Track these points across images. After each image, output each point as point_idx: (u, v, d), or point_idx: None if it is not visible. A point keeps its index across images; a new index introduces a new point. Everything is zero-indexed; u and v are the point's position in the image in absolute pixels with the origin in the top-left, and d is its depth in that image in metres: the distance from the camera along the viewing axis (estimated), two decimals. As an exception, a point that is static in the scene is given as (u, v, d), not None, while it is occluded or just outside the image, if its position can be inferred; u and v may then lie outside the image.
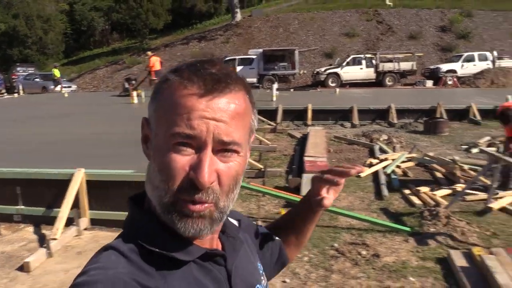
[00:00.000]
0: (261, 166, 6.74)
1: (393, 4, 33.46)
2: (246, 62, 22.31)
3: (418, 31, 30.07)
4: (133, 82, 17.35)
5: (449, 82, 21.76)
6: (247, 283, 0.75)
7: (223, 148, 0.63)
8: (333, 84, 22.08)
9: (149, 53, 16.56)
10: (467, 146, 8.10)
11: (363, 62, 22.72)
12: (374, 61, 22.77)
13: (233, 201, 0.68)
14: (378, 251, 4.13)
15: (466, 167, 6.50)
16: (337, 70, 22.60)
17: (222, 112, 0.63)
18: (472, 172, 6.27)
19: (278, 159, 7.82)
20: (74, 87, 26.42)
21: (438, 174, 6.45)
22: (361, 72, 22.68)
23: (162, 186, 0.63)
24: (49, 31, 40.13)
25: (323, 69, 22.99)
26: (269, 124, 10.75)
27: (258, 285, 0.79)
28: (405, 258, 4.01)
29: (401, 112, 11.45)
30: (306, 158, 6.75)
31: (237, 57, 22.95)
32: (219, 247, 0.75)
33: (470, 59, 23.68)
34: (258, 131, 9.49)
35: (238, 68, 20.13)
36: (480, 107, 11.48)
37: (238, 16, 32.20)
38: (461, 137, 9.43)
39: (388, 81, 22.81)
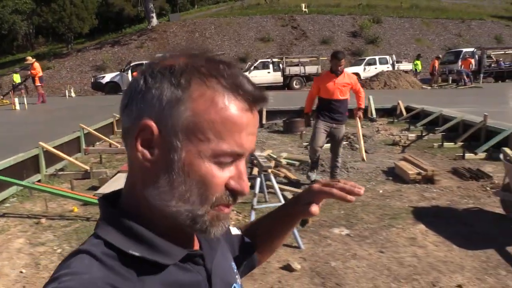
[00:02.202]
0: (87, 168, 6.77)
1: (308, 11, 34.75)
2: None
3: (330, 36, 31.47)
4: None
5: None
6: (225, 282, 0.74)
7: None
8: (242, 88, 22.53)
9: (30, 58, 15.76)
10: (307, 144, 8.58)
11: (271, 66, 23.38)
12: (281, 65, 23.50)
13: None
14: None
15: (284, 162, 6.92)
16: (245, 74, 23.04)
17: (255, 127, 0.62)
18: (283, 169, 6.67)
19: (122, 160, 7.88)
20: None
21: (255, 171, 6.81)
22: (269, 76, 23.30)
23: (199, 200, 0.60)
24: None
25: (231, 73, 23.35)
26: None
27: (234, 284, 0.77)
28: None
29: (273, 113, 11.90)
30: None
31: (144, 62, 22.76)
32: (197, 246, 0.72)
33: (371, 63, 25.12)
34: (116, 134, 9.51)
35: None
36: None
37: (154, 21, 32.01)
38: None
39: (295, 84, 23.61)
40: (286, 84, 23.45)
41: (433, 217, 4.76)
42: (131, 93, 0.61)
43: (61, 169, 7.21)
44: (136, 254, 0.60)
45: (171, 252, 0.63)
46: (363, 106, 5.79)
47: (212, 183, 0.59)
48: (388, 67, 24.30)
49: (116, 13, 55.07)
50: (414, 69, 24.01)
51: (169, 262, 0.62)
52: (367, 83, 21.47)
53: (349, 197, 0.82)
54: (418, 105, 11.67)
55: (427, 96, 17.01)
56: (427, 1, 44.62)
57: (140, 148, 0.60)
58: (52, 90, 25.04)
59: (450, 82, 23.21)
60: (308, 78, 23.93)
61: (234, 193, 0.60)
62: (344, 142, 8.60)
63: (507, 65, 25.81)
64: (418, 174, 5.92)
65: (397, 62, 25.56)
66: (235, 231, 0.95)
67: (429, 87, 21.34)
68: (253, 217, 4.11)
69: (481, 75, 23.89)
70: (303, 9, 34.95)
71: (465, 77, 21.62)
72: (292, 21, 32.92)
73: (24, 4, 50.68)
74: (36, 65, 15.04)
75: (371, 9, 37.34)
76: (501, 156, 4.66)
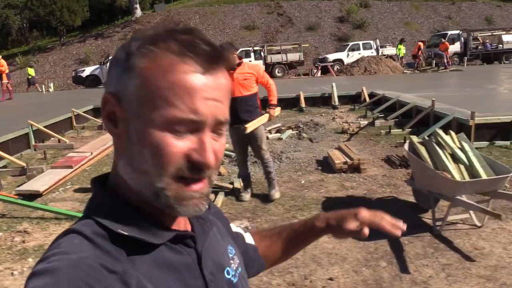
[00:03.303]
0: (24, 164, 6.78)
1: (295, -3, 34.38)
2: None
3: (317, 22, 31.15)
4: None
5: (335, 70, 22.66)
6: (217, 264, 0.72)
7: (216, 127, 0.61)
8: (223, 77, 22.45)
9: (-4, 55, 15.67)
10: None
11: (252, 54, 23.21)
12: (262, 54, 23.33)
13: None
14: (35, 238, 4.33)
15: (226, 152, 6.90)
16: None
17: (219, 91, 0.59)
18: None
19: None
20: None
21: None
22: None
23: (155, 171, 0.58)
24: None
25: (212, 63, 23.24)
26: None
27: (228, 267, 0.75)
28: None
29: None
30: (70, 154, 6.87)
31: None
32: (188, 228, 0.72)
33: (355, 48, 24.85)
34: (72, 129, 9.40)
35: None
36: (308, 95, 12.19)
37: (138, 12, 31.80)
38: (274, 124, 9.92)
39: (277, 72, 23.46)
40: (268, 72, 23.27)
41: (342, 208, 4.71)
42: (107, 71, 0.64)
43: (4, 166, 7.24)
44: (125, 233, 0.60)
45: (159, 231, 0.62)
46: (275, 102, 4.95)
47: (166, 152, 0.57)
48: (372, 52, 24.05)
49: (108, 4, 54.67)
50: (397, 54, 23.78)
51: (157, 242, 0.62)
52: (347, 69, 21.32)
53: (397, 233, 0.89)
54: (387, 91, 11.55)
55: (405, 81, 16.89)
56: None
57: (104, 120, 0.62)
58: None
59: (434, 66, 23.00)
60: (290, 65, 23.80)
61: (195, 165, 0.58)
62: (293, 132, 8.56)
63: (494, 47, 25.51)
64: (345, 163, 5.88)
65: (381, 46, 25.29)
66: (248, 237, 0.97)
67: (411, 72, 21.15)
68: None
69: (466, 57, 23.64)
70: (290, -5, 34.57)
71: (445, 60, 21.41)
72: (278, 8, 32.59)
73: (18, -2, 50.34)
74: (3, 62, 15.04)
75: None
76: (406, 146, 4.59)
